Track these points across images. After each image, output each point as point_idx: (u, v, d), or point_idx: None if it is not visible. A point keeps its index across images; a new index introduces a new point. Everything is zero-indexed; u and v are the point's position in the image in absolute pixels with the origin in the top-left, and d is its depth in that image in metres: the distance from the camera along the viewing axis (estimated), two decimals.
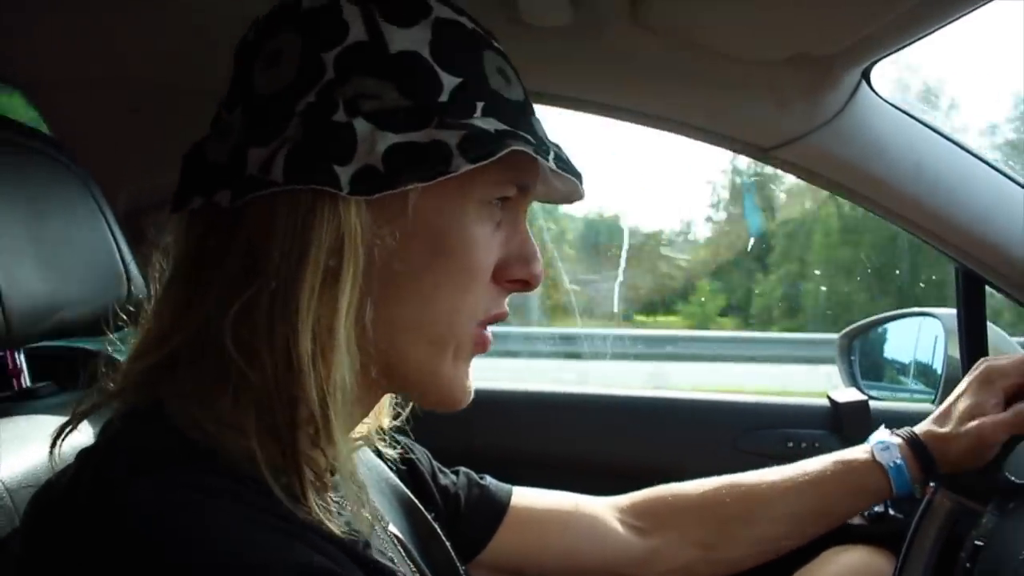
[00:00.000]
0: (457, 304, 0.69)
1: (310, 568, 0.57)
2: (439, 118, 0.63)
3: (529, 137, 0.66)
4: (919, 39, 1.09)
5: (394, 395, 0.85)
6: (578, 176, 0.71)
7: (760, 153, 1.27)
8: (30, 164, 0.94)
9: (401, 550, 0.83)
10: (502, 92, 0.68)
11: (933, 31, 1.06)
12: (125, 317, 0.79)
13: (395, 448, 0.96)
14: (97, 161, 1.07)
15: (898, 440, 1.08)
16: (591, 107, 1.26)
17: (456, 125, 0.63)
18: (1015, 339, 1.55)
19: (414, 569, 0.83)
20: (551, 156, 0.67)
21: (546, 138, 0.71)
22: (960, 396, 1.10)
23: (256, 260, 0.62)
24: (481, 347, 0.74)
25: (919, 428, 1.10)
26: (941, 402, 1.55)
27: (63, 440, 0.70)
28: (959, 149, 1.24)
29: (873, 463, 1.06)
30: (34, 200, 0.93)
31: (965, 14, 1.02)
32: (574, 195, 0.79)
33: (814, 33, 1.05)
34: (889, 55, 1.13)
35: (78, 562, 0.55)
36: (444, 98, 0.64)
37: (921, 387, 1.73)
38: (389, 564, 0.70)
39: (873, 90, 1.20)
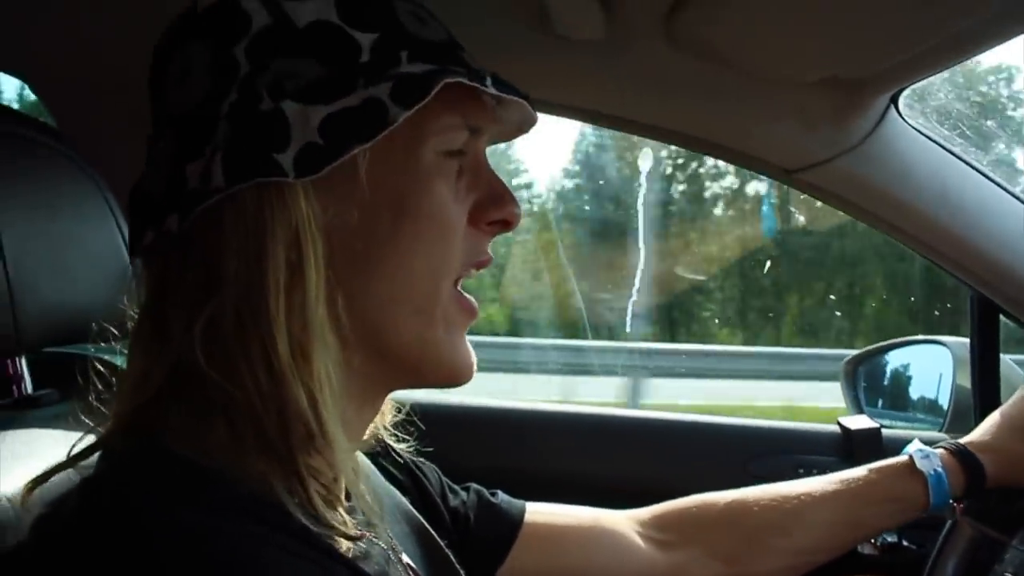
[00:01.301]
0: (436, 264, 0.67)
1: None
2: (365, 77, 0.62)
3: (461, 70, 0.64)
4: (951, 66, 1.08)
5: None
6: (524, 97, 0.69)
7: (784, 175, 1.25)
8: (42, 161, 0.91)
9: None
10: (422, 35, 0.66)
11: (967, 59, 1.05)
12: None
13: (402, 465, 0.93)
14: (106, 161, 1.04)
15: (940, 450, 1.04)
16: (617, 122, 1.24)
17: (384, 78, 0.62)
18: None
19: None
20: (488, 81, 0.65)
21: (481, 68, 0.68)
22: (1018, 407, 1.07)
23: (213, 275, 0.60)
24: (468, 313, 0.72)
25: (965, 440, 1.07)
26: (950, 431, 1.57)
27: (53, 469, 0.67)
28: (983, 177, 1.24)
29: (911, 471, 1.02)
30: (46, 199, 0.90)
31: (999, 44, 1.01)
32: (527, 122, 0.77)
33: (848, 57, 1.04)
34: (919, 81, 1.13)
35: None
36: (365, 57, 0.63)
37: (927, 416, 1.72)
38: None
39: (901, 115, 1.20)
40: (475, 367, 0.73)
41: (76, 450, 0.66)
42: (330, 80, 0.61)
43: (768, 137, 1.22)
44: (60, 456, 0.66)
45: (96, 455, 0.65)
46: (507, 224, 0.73)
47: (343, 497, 0.68)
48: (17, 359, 1.12)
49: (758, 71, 1.09)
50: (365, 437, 0.82)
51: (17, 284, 0.83)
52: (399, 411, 0.87)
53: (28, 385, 1.13)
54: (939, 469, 1.02)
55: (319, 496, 0.60)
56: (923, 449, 1.04)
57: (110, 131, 1.31)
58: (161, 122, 0.66)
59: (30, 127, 0.91)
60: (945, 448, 1.05)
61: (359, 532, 0.64)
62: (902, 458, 1.05)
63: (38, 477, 0.66)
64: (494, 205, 0.71)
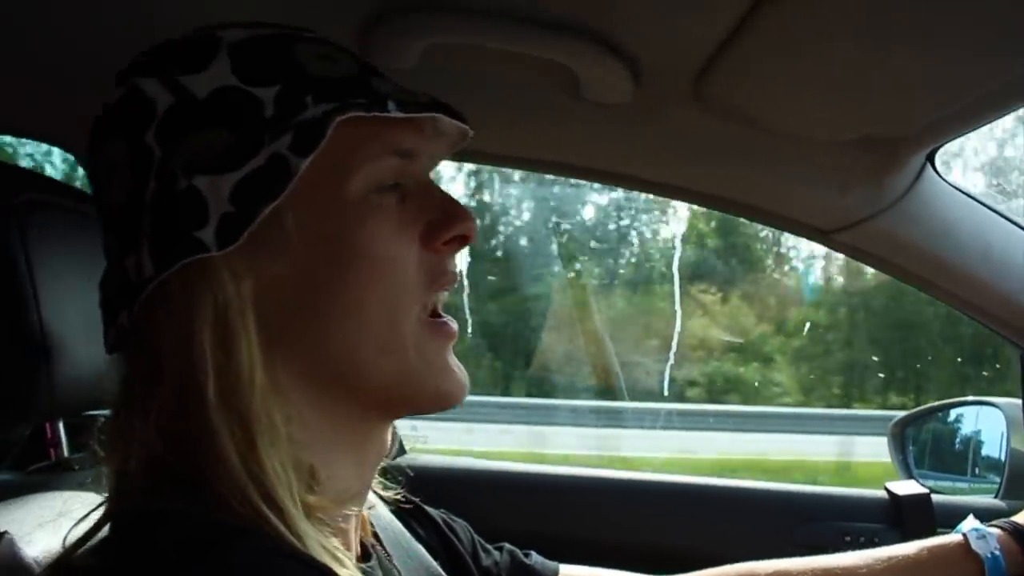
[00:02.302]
0: (391, 301, 0.65)
1: None
2: (270, 133, 0.60)
3: (364, 100, 0.63)
4: (986, 123, 1.07)
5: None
6: (441, 109, 0.67)
7: (820, 236, 1.24)
8: (82, 228, 0.93)
9: None
10: (329, 75, 0.65)
11: (1001, 116, 1.04)
12: None
13: (431, 524, 0.92)
14: None
15: (996, 530, 0.99)
16: (649, 186, 1.24)
17: (287, 129, 0.60)
18: None
19: None
20: (391, 105, 0.63)
21: (392, 90, 0.66)
22: None
23: (156, 366, 0.60)
24: (446, 336, 0.70)
25: (1021, 517, 1.01)
26: (1007, 496, 1.51)
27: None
28: None
29: (966, 552, 0.96)
30: (84, 265, 0.92)
31: None
32: (466, 133, 0.74)
33: (882, 117, 1.03)
34: (955, 139, 1.11)
35: None
36: (269, 112, 0.62)
37: (981, 480, 1.66)
38: None
39: (938, 173, 1.18)
40: (466, 385, 0.71)
41: (83, 527, 0.66)
42: (237, 145, 0.60)
43: (803, 198, 1.21)
44: (92, 519, 0.66)
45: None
46: (464, 239, 0.70)
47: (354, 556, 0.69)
48: (55, 423, 1.14)
49: (790, 132, 1.08)
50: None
51: (54, 351, 0.85)
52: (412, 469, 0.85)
53: (65, 448, 1.15)
54: (996, 552, 0.95)
55: (328, 553, 0.60)
56: (979, 529, 0.98)
57: None
58: (103, 219, 0.67)
59: (69, 195, 0.94)
60: (1001, 528, 0.99)
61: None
62: (955, 537, 0.98)
63: (69, 549, 0.65)
64: (446, 224, 0.68)
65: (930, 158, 1.17)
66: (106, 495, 0.66)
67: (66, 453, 1.16)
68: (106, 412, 1.07)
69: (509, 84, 1.06)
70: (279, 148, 0.60)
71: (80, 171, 1.43)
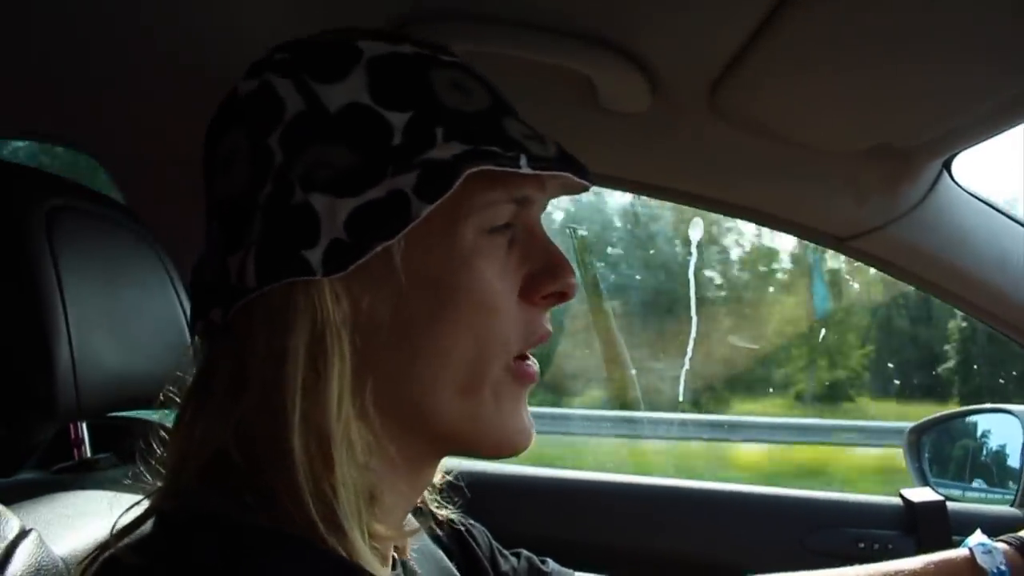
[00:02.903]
0: (482, 345, 0.63)
1: None
2: (394, 165, 0.59)
3: (495, 148, 0.60)
4: (1002, 132, 1.07)
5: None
6: (566, 168, 0.64)
7: (836, 243, 1.25)
8: (109, 234, 0.95)
9: None
10: (462, 108, 0.62)
11: (1018, 125, 1.04)
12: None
13: (452, 523, 0.93)
14: (168, 232, 1.08)
15: (1002, 545, 0.99)
16: (666, 194, 1.25)
17: (411, 166, 0.58)
18: None
19: None
20: (523, 160, 0.61)
21: (521, 137, 0.63)
22: None
23: (243, 373, 0.59)
24: (526, 379, 0.67)
25: None
26: (1023, 505, 1.50)
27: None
28: None
29: (972, 567, 0.96)
30: (110, 270, 0.93)
31: None
32: (587, 187, 0.71)
33: (898, 125, 1.04)
34: (973, 147, 1.11)
35: None
36: (397, 140, 0.60)
37: (998, 488, 1.66)
38: None
39: (955, 181, 1.18)
40: (532, 435, 0.69)
41: (129, 516, 0.64)
42: (360, 169, 0.59)
43: (818, 206, 1.21)
44: (115, 518, 0.66)
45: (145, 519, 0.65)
46: (563, 296, 0.68)
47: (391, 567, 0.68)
48: (79, 424, 1.16)
49: (805, 142, 1.09)
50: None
51: (80, 353, 0.86)
52: (447, 473, 0.85)
53: (88, 449, 1.17)
54: (1003, 567, 0.95)
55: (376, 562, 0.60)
56: (985, 544, 0.98)
57: (175, 206, 1.36)
58: (211, 207, 0.65)
59: (97, 202, 0.95)
60: (1008, 543, 1.00)
61: None
62: (962, 552, 0.98)
63: (111, 539, 0.63)
64: (548, 277, 0.66)
65: (947, 165, 1.17)
66: (142, 494, 0.64)
67: (88, 453, 1.17)
68: (129, 413, 1.09)
69: (527, 93, 1.06)
70: (403, 185, 0.58)
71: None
